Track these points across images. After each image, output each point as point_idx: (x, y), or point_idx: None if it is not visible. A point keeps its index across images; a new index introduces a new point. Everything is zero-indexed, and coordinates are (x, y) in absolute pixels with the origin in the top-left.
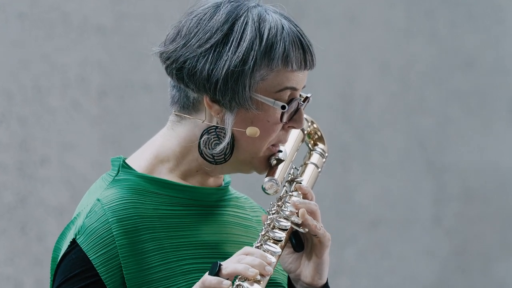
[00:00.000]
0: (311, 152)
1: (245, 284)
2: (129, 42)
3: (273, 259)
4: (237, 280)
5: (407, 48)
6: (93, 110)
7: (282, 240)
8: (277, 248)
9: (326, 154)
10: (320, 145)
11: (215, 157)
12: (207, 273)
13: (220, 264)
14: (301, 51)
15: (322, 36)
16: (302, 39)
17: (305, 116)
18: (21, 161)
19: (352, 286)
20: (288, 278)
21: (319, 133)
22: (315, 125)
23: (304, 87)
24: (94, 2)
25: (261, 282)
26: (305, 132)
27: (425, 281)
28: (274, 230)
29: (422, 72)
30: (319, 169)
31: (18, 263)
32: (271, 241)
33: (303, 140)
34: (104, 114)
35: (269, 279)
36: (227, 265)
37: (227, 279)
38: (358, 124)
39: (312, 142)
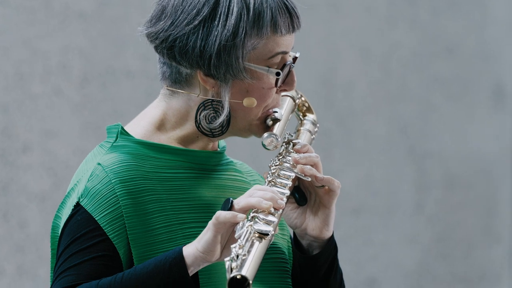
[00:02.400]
0: (303, 121)
1: (261, 215)
2: (111, 29)
3: (284, 198)
4: (251, 213)
5: (389, 35)
6: (75, 97)
7: (289, 185)
8: (285, 190)
9: (318, 125)
10: (310, 115)
11: (213, 131)
12: (219, 210)
13: (231, 200)
14: (288, 15)
15: (304, 22)
16: (286, 2)
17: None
18: (3, 148)
19: None
20: (294, 235)
21: (307, 105)
22: (303, 98)
23: (292, 47)
24: None
25: (275, 215)
26: (296, 101)
27: (407, 267)
28: (280, 177)
29: (404, 59)
30: (313, 136)
31: (0, 250)
32: (278, 185)
33: (293, 111)
34: (86, 101)
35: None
36: (240, 200)
37: None
38: (340, 110)
39: (301, 113)
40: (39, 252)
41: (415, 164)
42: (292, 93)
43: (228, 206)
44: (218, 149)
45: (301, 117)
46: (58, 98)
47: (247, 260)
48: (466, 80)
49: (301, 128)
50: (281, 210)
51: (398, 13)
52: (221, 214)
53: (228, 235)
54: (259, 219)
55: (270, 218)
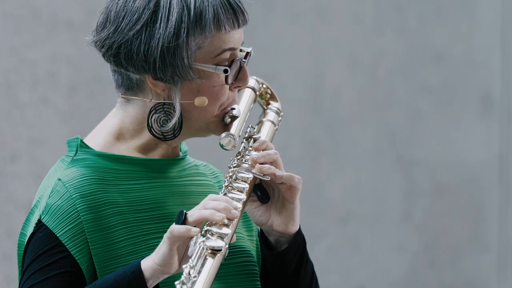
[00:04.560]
0: (266, 111)
1: (214, 228)
2: None
3: (239, 205)
4: (205, 226)
5: (376, 43)
6: (63, 105)
7: (246, 189)
8: (242, 195)
9: (282, 113)
10: (274, 104)
11: (165, 134)
12: (173, 223)
13: (185, 212)
14: (231, 11)
15: (291, 30)
16: None
17: (255, 77)
18: None
19: (322, 282)
20: (261, 232)
21: (269, 91)
22: (264, 86)
23: (242, 43)
24: None
25: (229, 226)
26: (257, 93)
27: (395, 276)
28: (237, 181)
29: (392, 67)
30: (276, 127)
31: None
32: (235, 190)
33: (255, 101)
34: (74, 110)
35: (237, 246)
36: (193, 213)
37: (195, 226)
38: (328, 118)
39: (264, 101)
40: None
41: (402, 172)
42: (253, 83)
43: (181, 219)
44: (180, 154)
45: (264, 106)
46: (46, 107)
47: (197, 282)
48: (454, 87)
49: (264, 119)
50: (235, 220)
51: (386, 21)
52: (175, 228)
53: (185, 246)
54: (212, 233)
55: (224, 230)
